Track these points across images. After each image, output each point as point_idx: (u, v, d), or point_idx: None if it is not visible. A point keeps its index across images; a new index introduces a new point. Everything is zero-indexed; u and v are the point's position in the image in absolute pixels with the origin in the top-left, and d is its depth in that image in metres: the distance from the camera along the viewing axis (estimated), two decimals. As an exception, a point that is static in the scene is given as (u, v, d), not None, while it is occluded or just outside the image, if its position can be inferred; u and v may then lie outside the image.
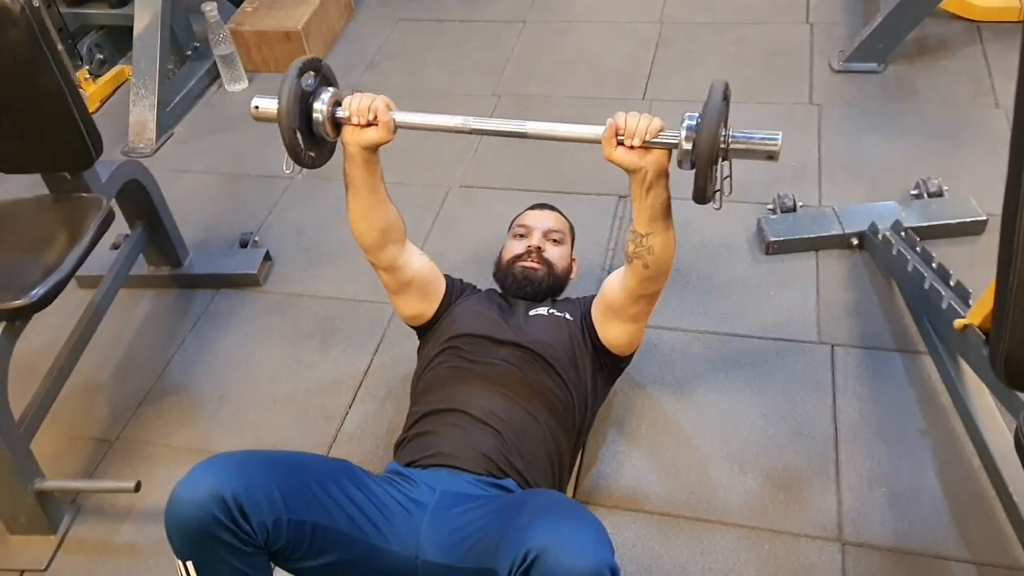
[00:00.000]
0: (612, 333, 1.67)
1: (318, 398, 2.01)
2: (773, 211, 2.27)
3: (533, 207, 1.94)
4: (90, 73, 3.16)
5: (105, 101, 3.19)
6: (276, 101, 1.40)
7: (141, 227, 2.21)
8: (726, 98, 1.28)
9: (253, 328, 2.22)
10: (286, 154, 1.44)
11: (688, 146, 1.28)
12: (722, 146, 1.27)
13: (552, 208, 1.94)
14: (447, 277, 1.80)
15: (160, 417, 2.02)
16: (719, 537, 1.64)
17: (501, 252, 1.88)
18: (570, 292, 1.89)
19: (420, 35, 3.33)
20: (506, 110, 2.87)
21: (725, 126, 1.28)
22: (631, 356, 1.76)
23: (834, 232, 2.18)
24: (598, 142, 1.37)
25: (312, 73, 1.46)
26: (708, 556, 1.61)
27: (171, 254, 2.33)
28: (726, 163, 1.31)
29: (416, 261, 1.70)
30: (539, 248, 1.81)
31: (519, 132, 1.43)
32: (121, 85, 3.26)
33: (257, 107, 1.46)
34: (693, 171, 1.28)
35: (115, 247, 2.32)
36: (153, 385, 2.09)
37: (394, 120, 1.45)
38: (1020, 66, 1.00)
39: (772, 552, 1.60)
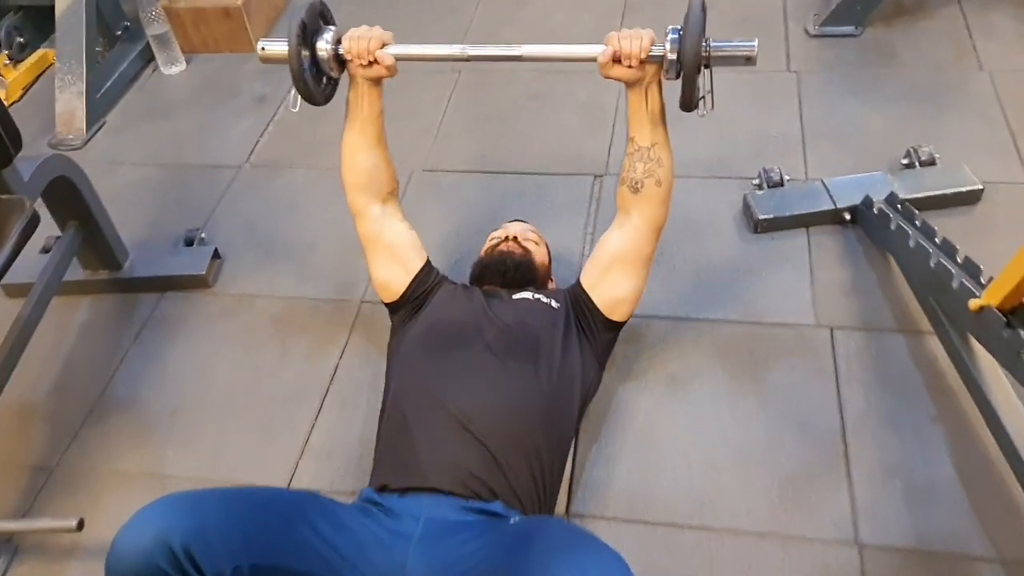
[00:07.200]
0: (619, 289, 1.61)
1: (281, 409, 1.84)
2: (759, 186, 2.14)
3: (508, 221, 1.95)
4: (10, 59, 2.92)
5: (28, 89, 2.95)
6: (282, 42, 1.47)
7: (73, 228, 2.00)
8: (703, 10, 1.37)
9: (205, 334, 2.03)
10: (293, 90, 1.51)
11: (673, 56, 1.38)
12: (704, 54, 1.36)
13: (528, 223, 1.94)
14: (430, 261, 1.73)
15: (105, 439, 1.82)
16: (728, 546, 1.51)
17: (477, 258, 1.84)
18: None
19: (371, 8, 3.11)
20: (466, 84, 2.70)
21: (704, 36, 1.37)
22: (623, 325, 1.67)
23: (825, 207, 2.05)
24: (594, 60, 1.43)
25: (319, 16, 1.54)
26: (718, 568, 1.48)
27: (109, 256, 2.12)
28: (707, 71, 1.39)
29: (398, 224, 1.69)
30: (515, 238, 1.78)
31: (514, 55, 1.49)
32: (45, 71, 3.01)
33: (264, 48, 1.50)
34: (678, 80, 1.39)
35: (45, 251, 2.09)
36: (96, 403, 1.90)
37: (393, 59, 1.49)
38: None
39: (786, 559, 1.48)
